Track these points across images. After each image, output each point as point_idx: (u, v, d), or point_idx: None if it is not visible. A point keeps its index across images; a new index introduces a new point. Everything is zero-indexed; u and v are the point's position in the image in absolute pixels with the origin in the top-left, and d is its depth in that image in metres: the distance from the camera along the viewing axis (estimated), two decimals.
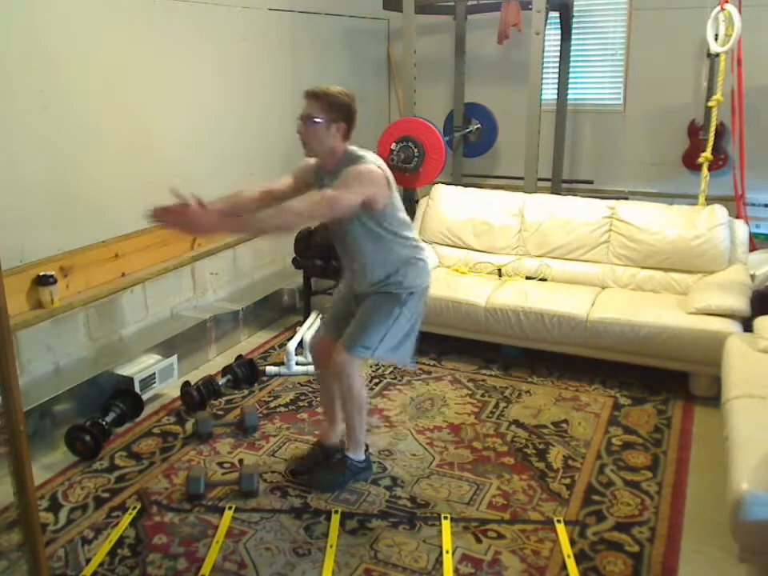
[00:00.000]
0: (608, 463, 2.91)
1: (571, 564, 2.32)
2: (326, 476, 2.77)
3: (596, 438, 3.11)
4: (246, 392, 3.59)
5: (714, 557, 2.37)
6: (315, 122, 2.51)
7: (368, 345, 2.58)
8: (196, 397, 3.37)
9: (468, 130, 5.76)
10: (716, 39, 4.05)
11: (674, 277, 3.89)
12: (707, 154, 4.29)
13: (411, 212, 4.80)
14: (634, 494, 2.70)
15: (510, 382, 3.67)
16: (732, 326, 3.32)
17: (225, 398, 3.51)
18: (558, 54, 5.33)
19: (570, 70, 5.37)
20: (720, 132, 4.74)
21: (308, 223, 2.70)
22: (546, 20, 4.40)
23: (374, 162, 2.52)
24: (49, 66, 3.10)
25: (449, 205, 4.43)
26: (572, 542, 2.43)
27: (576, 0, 5.29)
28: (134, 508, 2.62)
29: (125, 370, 3.35)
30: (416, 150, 4.38)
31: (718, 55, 4.21)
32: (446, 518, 2.55)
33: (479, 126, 5.76)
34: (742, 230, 3.94)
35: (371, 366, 3.85)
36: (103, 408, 3.16)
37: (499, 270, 4.17)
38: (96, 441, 2.95)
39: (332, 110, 2.50)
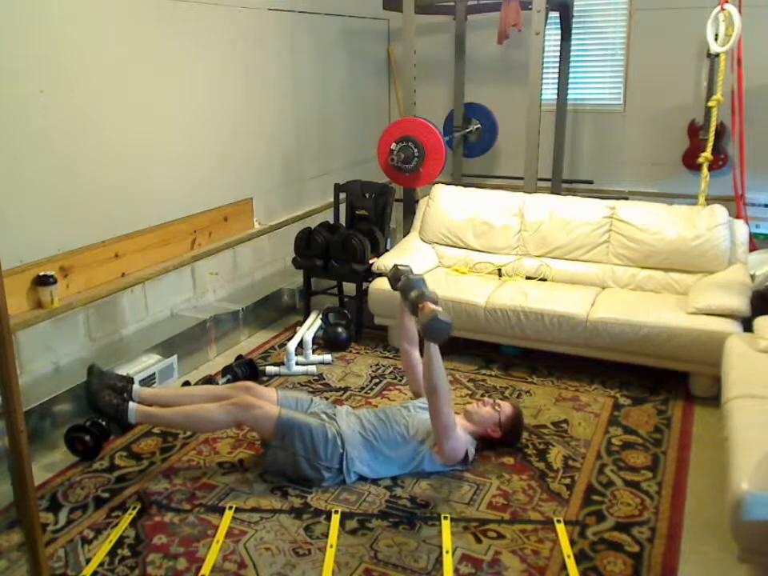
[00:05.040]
0: (608, 463, 2.91)
1: (571, 564, 2.32)
2: None
3: (596, 437, 3.11)
4: None
5: (714, 557, 2.37)
6: None
7: None
8: None
9: (468, 130, 5.76)
10: (716, 39, 4.05)
11: (673, 277, 3.89)
12: (707, 154, 4.29)
13: (411, 212, 4.82)
14: (634, 494, 2.70)
15: (510, 382, 3.67)
16: (732, 326, 3.32)
17: None
18: (558, 54, 5.34)
19: (570, 70, 5.38)
20: (720, 132, 4.75)
21: None
22: (546, 20, 4.40)
23: None
24: (49, 66, 3.10)
25: (449, 205, 4.43)
26: (572, 542, 2.42)
27: (576, 0, 5.29)
28: (134, 508, 2.62)
29: (125, 370, 3.35)
30: (416, 150, 4.38)
31: (717, 55, 4.21)
32: (445, 518, 2.55)
33: (479, 126, 5.76)
34: (742, 230, 3.94)
35: (371, 366, 3.86)
36: None
37: (499, 269, 4.17)
38: (96, 441, 2.95)
39: None
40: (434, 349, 2.65)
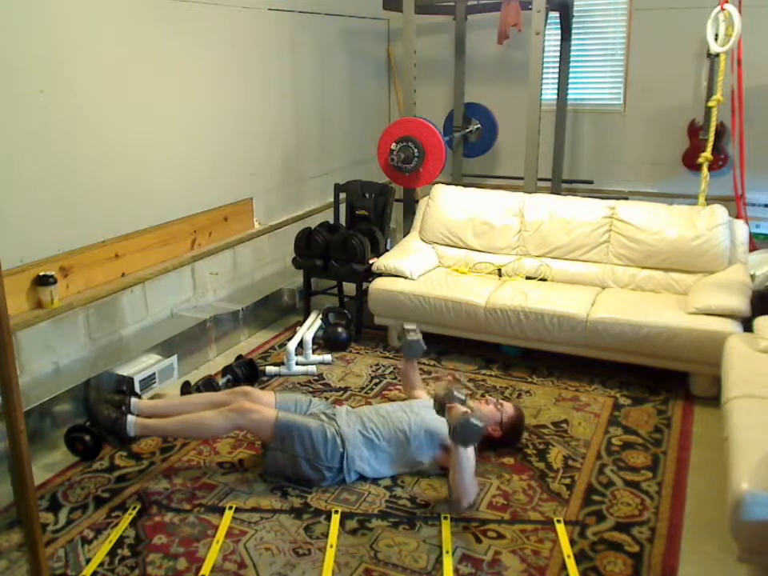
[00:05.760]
0: (608, 463, 2.91)
1: (571, 564, 2.32)
2: None
3: (596, 438, 3.11)
4: None
5: (714, 557, 2.37)
6: None
7: None
8: None
9: (468, 130, 5.76)
10: (716, 39, 4.05)
11: (673, 277, 3.89)
12: (707, 154, 4.29)
13: (411, 212, 4.82)
14: (634, 494, 2.70)
15: (510, 382, 3.67)
16: (732, 326, 3.32)
17: None
18: (558, 54, 5.34)
19: (570, 70, 5.38)
20: (720, 132, 4.75)
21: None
22: (546, 20, 4.40)
23: None
24: (49, 66, 3.10)
25: (449, 205, 4.43)
26: (572, 542, 2.42)
27: (576, 0, 5.29)
28: (134, 508, 2.62)
29: (125, 370, 3.35)
30: (416, 150, 4.38)
31: (717, 55, 4.21)
32: (445, 518, 2.55)
33: (479, 126, 5.76)
34: (742, 230, 3.94)
35: (371, 366, 3.86)
36: None
37: (499, 269, 4.17)
38: (96, 441, 2.95)
39: None
40: (464, 452, 2.52)
